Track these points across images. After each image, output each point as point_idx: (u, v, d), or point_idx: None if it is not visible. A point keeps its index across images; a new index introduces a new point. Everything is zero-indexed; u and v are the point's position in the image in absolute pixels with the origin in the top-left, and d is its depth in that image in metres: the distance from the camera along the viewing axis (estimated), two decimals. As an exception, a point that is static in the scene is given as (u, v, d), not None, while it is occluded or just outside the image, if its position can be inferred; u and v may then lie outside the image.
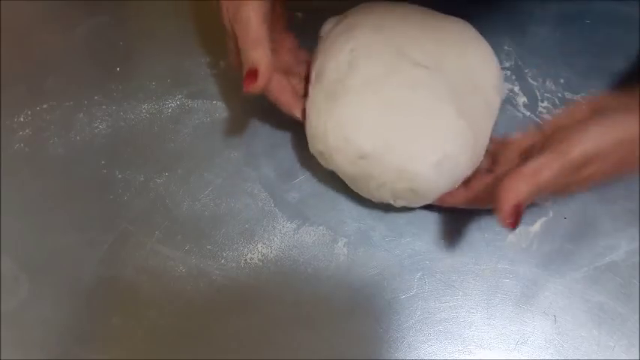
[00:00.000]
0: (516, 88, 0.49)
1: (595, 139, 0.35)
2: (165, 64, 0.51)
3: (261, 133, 0.47)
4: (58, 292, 0.42)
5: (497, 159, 0.42)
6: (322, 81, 0.43)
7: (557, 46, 0.51)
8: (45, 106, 0.48)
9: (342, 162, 0.41)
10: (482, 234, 0.44)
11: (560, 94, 0.49)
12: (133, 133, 0.48)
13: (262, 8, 0.39)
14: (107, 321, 0.41)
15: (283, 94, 0.43)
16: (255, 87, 0.39)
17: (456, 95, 0.42)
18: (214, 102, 0.49)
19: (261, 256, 0.43)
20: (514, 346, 0.41)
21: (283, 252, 0.43)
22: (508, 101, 0.49)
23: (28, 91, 0.49)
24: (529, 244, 0.43)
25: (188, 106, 0.49)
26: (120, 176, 0.46)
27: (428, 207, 0.43)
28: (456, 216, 0.44)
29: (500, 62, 0.50)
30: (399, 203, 0.42)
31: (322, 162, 0.43)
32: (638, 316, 0.41)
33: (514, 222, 0.34)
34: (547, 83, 0.49)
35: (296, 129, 0.45)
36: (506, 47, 0.51)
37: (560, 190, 0.37)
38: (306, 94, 0.44)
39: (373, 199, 0.43)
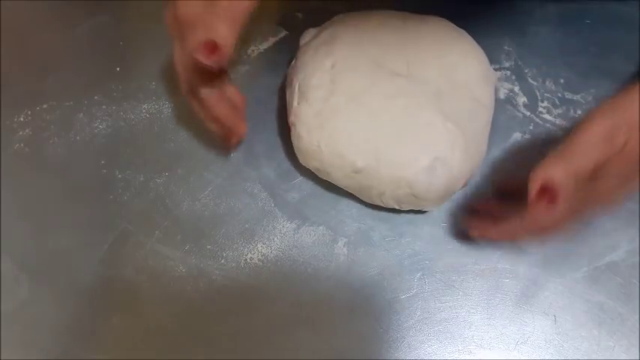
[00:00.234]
0: (516, 88, 0.49)
1: (604, 106, 0.35)
2: (166, 64, 0.51)
3: (261, 133, 0.47)
4: (58, 292, 0.42)
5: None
6: (308, 98, 0.43)
7: (557, 46, 0.51)
8: (45, 106, 0.48)
9: (339, 177, 0.42)
10: (482, 234, 0.44)
11: (560, 94, 0.49)
12: (133, 133, 0.48)
13: (249, 8, 0.37)
14: (107, 321, 0.41)
15: (221, 103, 0.42)
16: (208, 60, 0.36)
17: (438, 97, 0.42)
18: (214, 102, 0.49)
19: (261, 256, 0.43)
20: (514, 346, 0.41)
21: (283, 252, 0.43)
22: (508, 101, 0.49)
23: (28, 91, 0.49)
24: (529, 244, 0.43)
25: (188, 106, 0.49)
26: (120, 176, 0.46)
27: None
28: (457, 216, 0.44)
29: (500, 62, 0.50)
30: (404, 207, 0.43)
31: (319, 175, 0.44)
32: (638, 316, 0.41)
33: (548, 203, 0.33)
34: (547, 83, 0.49)
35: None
36: (506, 47, 0.51)
37: (604, 172, 0.35)
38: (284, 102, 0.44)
39: (382, 205, 0.43)
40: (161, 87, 0.50)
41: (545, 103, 0.49)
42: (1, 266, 0.42)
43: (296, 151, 0.44)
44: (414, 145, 0.41)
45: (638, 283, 0.42)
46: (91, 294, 0.42)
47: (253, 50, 0.51)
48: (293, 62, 0.46)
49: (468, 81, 0.44)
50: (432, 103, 0.42)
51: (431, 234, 0.44)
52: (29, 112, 0.48)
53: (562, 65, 0.50)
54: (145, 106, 0.49)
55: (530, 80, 0.50)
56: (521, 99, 0.49)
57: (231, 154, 0.47)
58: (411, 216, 0.44)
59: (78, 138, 0.47)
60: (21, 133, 0.47)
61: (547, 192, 0.34)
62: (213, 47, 0.36)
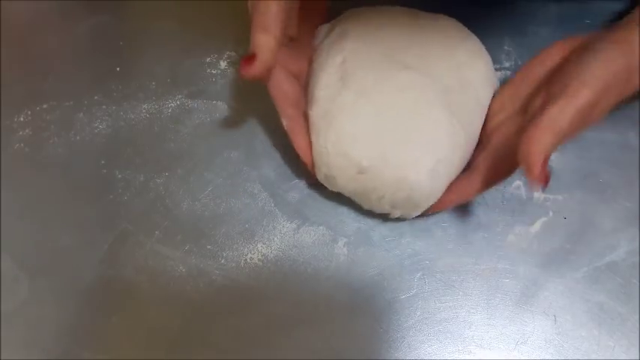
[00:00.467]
0: (516, 88, 0.49)
1: (598, 77, 0.36)
2: (165, 64, 0.51)
3: (261, 133, 0.47)
4: (58, 292, 0.42)
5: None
6: (318, 100, 0.43)
7: (557, 46, 0.51)
8: (45, 106, 0.48)
9: (343, 180, 0.42)
10: (482, 234, 0.44)
11: (560, 94, 0.49)
12: (133, 133, 0.48)
13: (280, 13, 0.38)
14: (107, 321, 0.41)
15: (282, 100, 0.43)
16: (249, 73, 0.37)
17: (446, 95, 0.42)
18: (214, 102, 0.49)
19: (261, 256, 0.43)
20: (514, 346, 0.41)
21: (283, 252, 0.43)
22: (508, 101, 0.49)
23: (28, 91, 0.49)
24: (529, 244, 0.43)
25: (188, 106, 0.49)
26: (120, 176, 0.46)
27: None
28: (457, 216, 0.44)
29: (500, 62, 0.50)
30: (395, 213, 0.42)
31: (328, 186, 0.43)
32: (638, 316, 0.41)
33: (547, 179, 0.35)
34: (547, 83, 0.49)
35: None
36: (506, 47, 0.51)
37: (577, 133, 0.37)
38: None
39: (374, 210, 0.43)
40: (161, 87, 0.50)
41: (545, 103, 0.49)
42: (1, 266, 0.42)
43: (315, 164, 0.43)
44: (419, 146, 0.41)
45: (638, 283, 0.42)
46: (91, 294, 0.42)
47: (253, 50, 0.51)
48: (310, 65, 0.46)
49: (473, 81, 0.44)
50: (440, 99, 0.42)
51: (431, 234, 0.44)
52: (29, 112, 0.48)
53: (562, 65, 0.50)
54: (145, 106, 0.49)
55: (530, 80, 0.50)
56: (521, 99, 0.49)
57: (231, 154, 0.47)
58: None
59: (78, 138, 0.47)
60: (21, 133, 0.47)
61: (545, 168, 0.35)
62: (251, 60, 0.37)
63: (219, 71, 0.50)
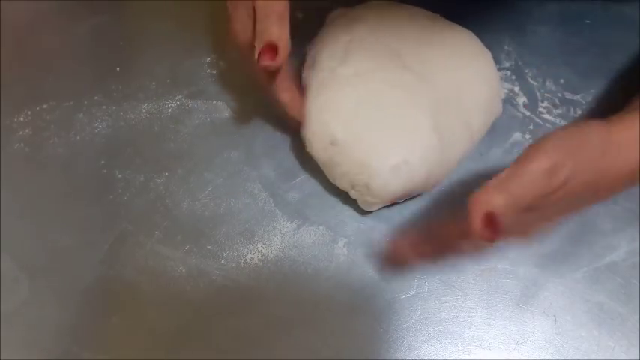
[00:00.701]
0: (516, 88, 0.49)
1: (555, 141, 0.34)
2: (165, 64, 0.51)
3: (261, 133, 0.47)
4: (58, 292, 0.42)
5: None
6: (316, 68, 0.44)
7: (557, 45, 0.51)
8: (45, 106, 0.48)
9: (317, 147, 0.43)
10: (482, 234, 0.44)
11: (560, 94, 0.49)
12: (133, 133, 0.48)
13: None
14: (107, 321, 0.41)
15: (286, 91, 0.43)
16: (273, 64, 0.38)
17: (437, 108, 0.42)
18: (214, 102, 0.49)
19: (261, 256, 0.43)
20: (514, 346, 0.41)
21: (283, 252, 0.43)
22: (508, 101, 0.49)
23: (28, 91, 0.49)
24: (529, 244, 0.43)
25: (188, 106, 0.49)
26: (120, 176, 0.46)
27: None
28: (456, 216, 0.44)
29: (500, 62, 0.50)
30: (352, 195, 0.43)
31: (307, 149, 0.44)
32: (638, 316, 0.41)
33: (490, 233, 0.33)
34: (547, 83, 0.49)
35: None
36: (506, 47, 0.51)
37: (542, 204, 0.35)
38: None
39: (337, 185, 0.43)
40: (161, 87, 0.50)
41: (546, 103, 0.49)
42: (1, 266, 0.42)
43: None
44: (392, 140, 0.41)
45: (638, 283, 0.42)
46: (91, 294, 0.42)
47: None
48: (315, 40, 0.47)
49: (469, 104, 0.44)
50: (429, 108, 0.42)
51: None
52: (29, 112, 0.48)
53: (562, 65, 0.50)
54: (145, 106, 0.49)
55: (530, 80, 0.50)
56: (521, 99, 0.49)
57: (231, 154, 0.47)
58: (411, 216, 0.44)
59: (78, 138, 0.47)
60: (21, 133, 0.47)
61: (489, 222, 0.33)
62: (274, 51, 0.38)
63: (219, 71, 0.50)
